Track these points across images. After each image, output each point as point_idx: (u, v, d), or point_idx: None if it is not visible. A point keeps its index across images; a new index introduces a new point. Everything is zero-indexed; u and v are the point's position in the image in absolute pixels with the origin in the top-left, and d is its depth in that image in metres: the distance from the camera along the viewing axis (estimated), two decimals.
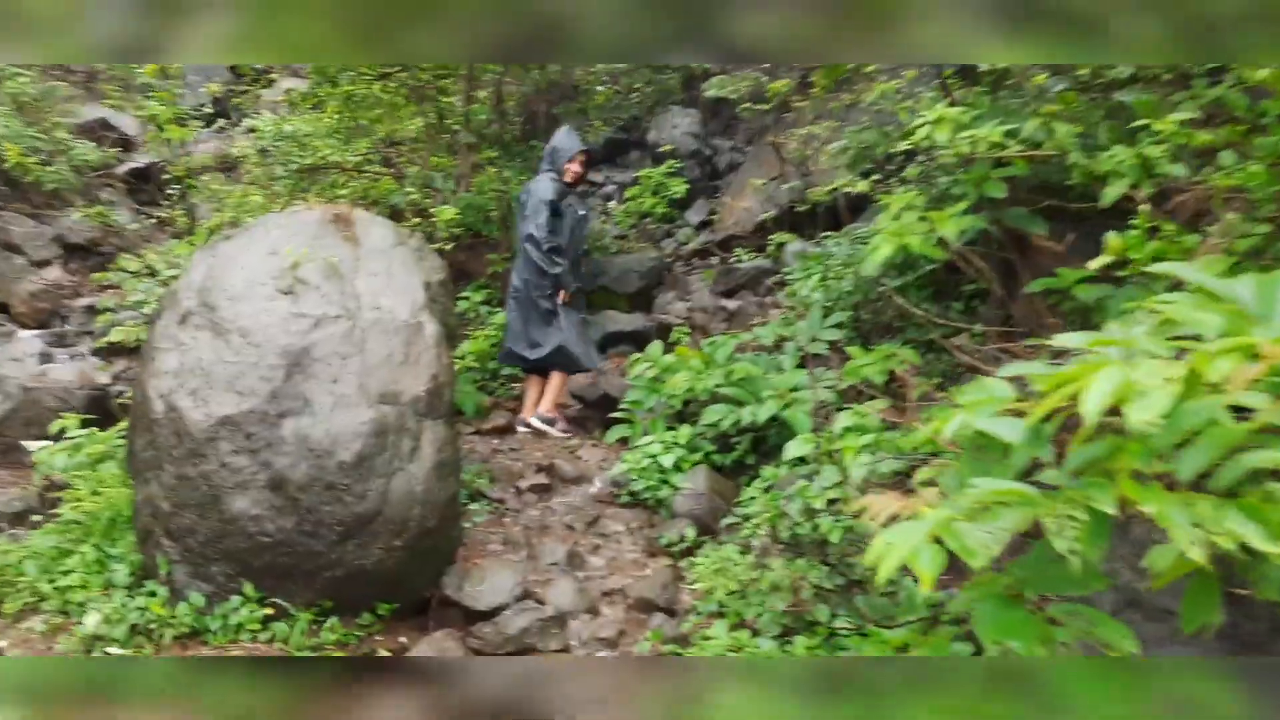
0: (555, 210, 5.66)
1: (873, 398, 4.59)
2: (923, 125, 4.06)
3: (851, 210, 8.61)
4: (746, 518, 4.12)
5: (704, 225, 10.72)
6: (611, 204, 11.87)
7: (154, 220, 8.54)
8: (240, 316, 3.76)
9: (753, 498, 4.22)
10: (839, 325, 5.24)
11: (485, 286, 7.81)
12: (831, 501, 3.50)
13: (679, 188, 9.54)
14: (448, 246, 6.15)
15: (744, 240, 9.33)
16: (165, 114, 4.83)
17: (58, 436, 4.60)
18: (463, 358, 6.28)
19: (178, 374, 3.66)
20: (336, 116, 8.43)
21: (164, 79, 9.15)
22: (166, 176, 5.33)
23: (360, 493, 3.58)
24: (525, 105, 9.82)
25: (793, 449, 3.90)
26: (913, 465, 3.14)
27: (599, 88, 9.51)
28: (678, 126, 11.27)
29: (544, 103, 9.87)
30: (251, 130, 6.60)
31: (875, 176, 5.84)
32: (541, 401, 5.81)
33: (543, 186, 5.79)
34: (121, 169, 10.17)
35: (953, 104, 5.23)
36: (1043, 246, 4.31)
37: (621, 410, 5.34)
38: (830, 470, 3.62)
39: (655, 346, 5.41)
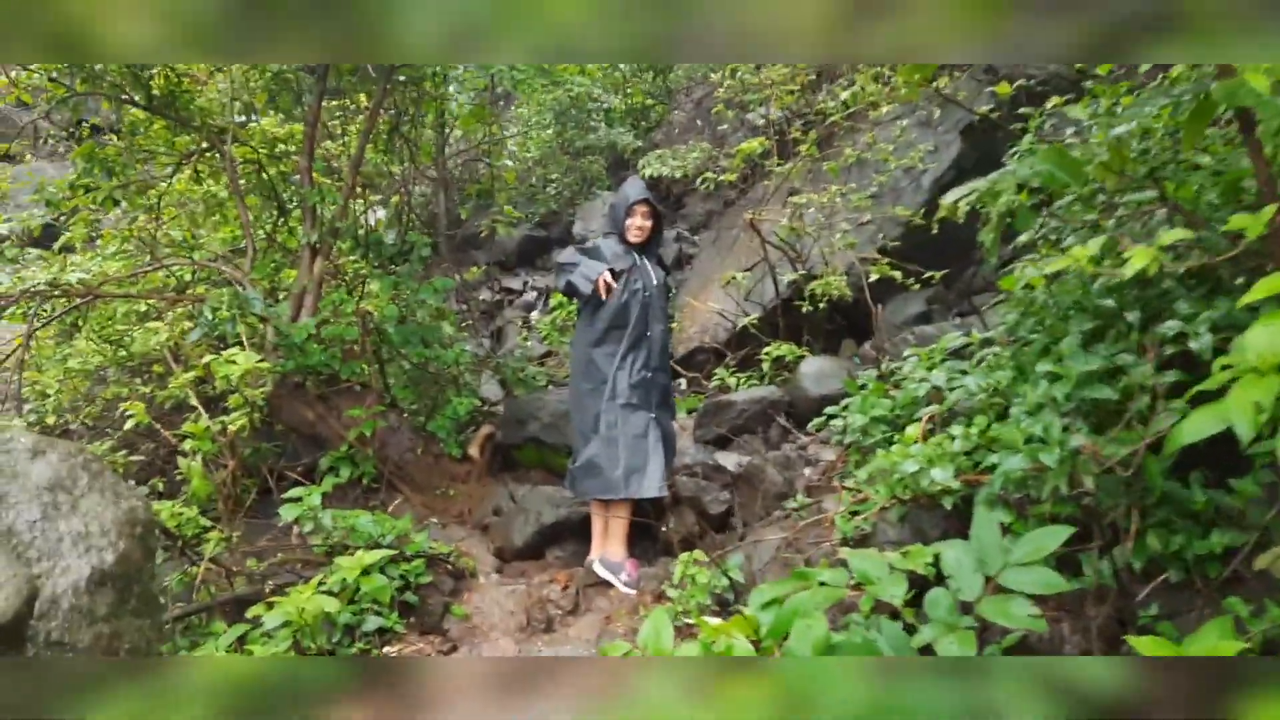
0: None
1: None
2: None
3: (878, 302, 5.93)
4: None
5: None
6: (534, 314, 9.03)
7: None
8: None
9: None
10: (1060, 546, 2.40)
11: (348, 460, 4.75)
12: None
13: None
14: (241, 420, 3.14)
15: (718, 354, 6.56)
16: None
17: None
18: (268, 638, 3.17)
19: None
20: (128, 219, 5.50)
21: None
22: None
23: None
24: (405, 198, 6.98)
25: None
26: None
27: (506, 162, 6.72)
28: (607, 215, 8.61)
29: (436, 188, 7.05)
30: None
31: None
32: (606, 540, 3.92)
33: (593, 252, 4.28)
34: None
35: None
36: None
37: None
38: None
39: (660, 617, 2.46)
